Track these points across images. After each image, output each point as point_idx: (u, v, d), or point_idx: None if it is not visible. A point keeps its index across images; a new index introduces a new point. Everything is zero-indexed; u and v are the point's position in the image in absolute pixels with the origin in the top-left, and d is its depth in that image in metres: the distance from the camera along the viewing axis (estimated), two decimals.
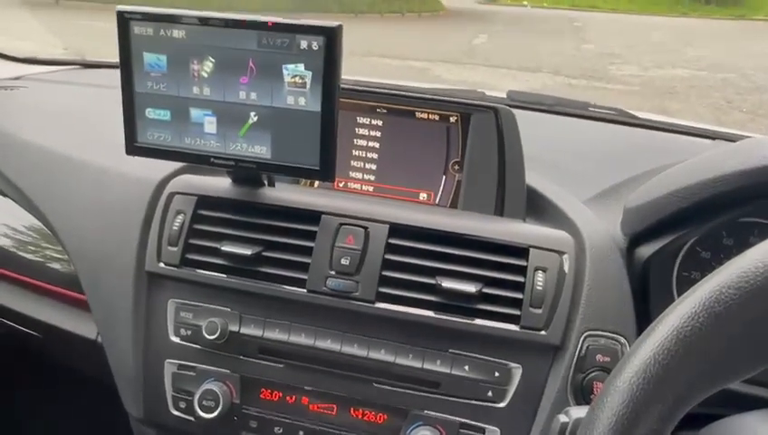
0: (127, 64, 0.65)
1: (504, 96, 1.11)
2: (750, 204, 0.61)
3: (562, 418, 0.40)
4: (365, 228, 0.67)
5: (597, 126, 1.01)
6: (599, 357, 0.61)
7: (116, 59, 0.66)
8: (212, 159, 0.67)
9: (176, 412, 0.69)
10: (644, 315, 0.63)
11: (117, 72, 0.67)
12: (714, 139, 0.95)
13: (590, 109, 1.04)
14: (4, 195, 0.85)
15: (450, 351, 0.64)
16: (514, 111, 0.75)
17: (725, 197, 0.60)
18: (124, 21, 0.63)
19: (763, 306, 0.32)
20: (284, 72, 0.62)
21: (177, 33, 0.63)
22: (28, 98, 1.05)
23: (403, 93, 0.77)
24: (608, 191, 0.76)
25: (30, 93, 1.05)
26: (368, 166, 0.77)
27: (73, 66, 1.21)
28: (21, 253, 0.84)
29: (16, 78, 1.12)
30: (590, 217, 0.69)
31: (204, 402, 0.65)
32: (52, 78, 1.15)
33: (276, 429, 0.67)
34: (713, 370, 0.33)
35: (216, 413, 0.65)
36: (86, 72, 1.20)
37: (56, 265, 0.80)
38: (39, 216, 0.79)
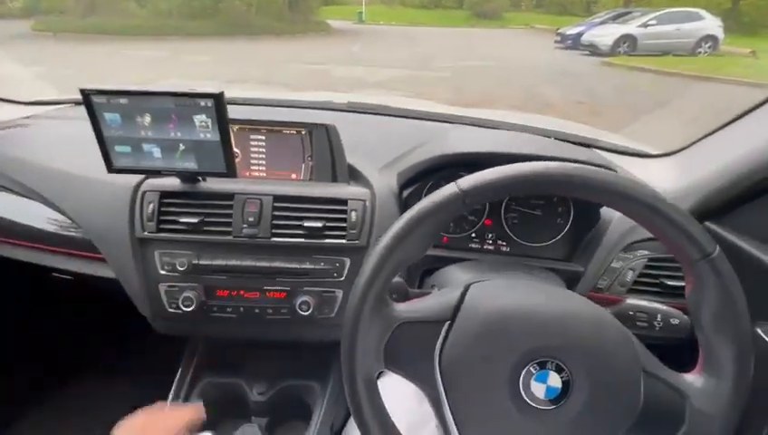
0: (94, 120, 0.63)
1: (346, 103, 1.10)
2: (451, 166, 0.73)
3: None
4: (260, 200, 0.72)
5: (395, 121, 1.02)
6: None
7: None
8: (162, 172, 0.68)
9: (170, 309, 0.72)
10: None
11: None
12: (453, 123, 1.01)
13: (391, 109, 1.07)
14: (31, 198, 0.79)
15: (313, 256, 0.72)
16: (351, 114, 0.79)
17: (439, 164, 0.72)
18: (86, 95, 0.61)
19: (430, 220, 0.42)
20: (195, 119, 0.63)
21: (123, 100, 0.61)
22: (37, 131, 0.94)
23: (275, 120, 0.78)
24: (391, 162, 0.83)
25: (38, 128, 0.95)
26: (260, 162, 0.79)
27: (67, 105, 1.07)
28: (56, 233, 0.79)
29: (26, 117, 0.99)
30: (379, 178, 0.77)
31: (185, 302, 0.70)
32: (53, 115, 1.02)
33: (228, 309, 0.72)
34: (411, 248, 0.43)
35: (193, 307, 0.70)
36: (77, 108, 1.07)
37: (79, 239, 0.77)
38: (59, 211, 0.75)
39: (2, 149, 0.85)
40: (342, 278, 0.73)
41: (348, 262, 0.73)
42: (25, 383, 1.11)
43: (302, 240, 0.72)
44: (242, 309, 0.73)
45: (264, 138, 0.78)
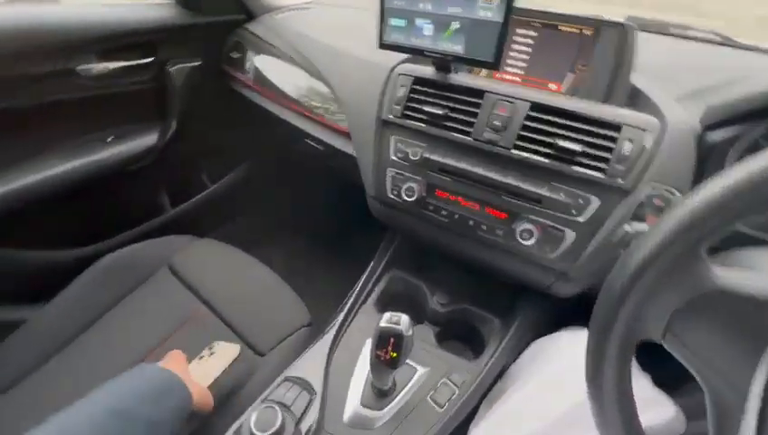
0: None
1: (624, 19, 0.89)
2: None
3: (627, 228, 0.38)
4: (513, 104, 0.63)
5: (694, 45, 0.77)
6: (656, 201, 0.55)
7: None
8: (425, 53, 0.65)
9: (390, 196, 0.75)
10: (698, 180, 0.55)
11: None
12: None
13: (691, 31, 0.80)
14: (309, 72, 0.89)
15: (553, 183, 0.61)
16: None
17: None
18: None
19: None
20: None
21: None
22: (315, 13, 1.06)
23: (556, 13, 0.65)
24: (699, 91, 0.61)
25: (316, 12, 1.06)
26: (519, 63, 0.69)
27: None
28: (317, 105, 0.89)
29: (307, 2, 1.12)
30: (675, 108, 0.58)
31: (406, 192, 0.71)
32: (324, 2, 1.13)
33: (443, 212, 0.70)
34: (729, 213, 0.29)
35: (411, 199, 0.71)
36: None
37: (336, 113, 0.84)
38: (327, 84, 0.84)
39: (291, 25, 1.00)
40: (581, 219, 0.60)
41: (595, 202, 0.59)
42: (249, 229, 1.42)
43: (548, 161, 0.61)
44: (456, 216, 0.70)
45: (533, 34, 0.66)
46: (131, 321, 0.77)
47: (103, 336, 0.75)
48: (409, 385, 0.68)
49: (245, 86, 1.04)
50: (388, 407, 0.65)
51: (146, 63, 0.97)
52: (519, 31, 0.67)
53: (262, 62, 1.00)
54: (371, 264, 0.91)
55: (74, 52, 0.86)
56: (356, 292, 0.84)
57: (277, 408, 0.58)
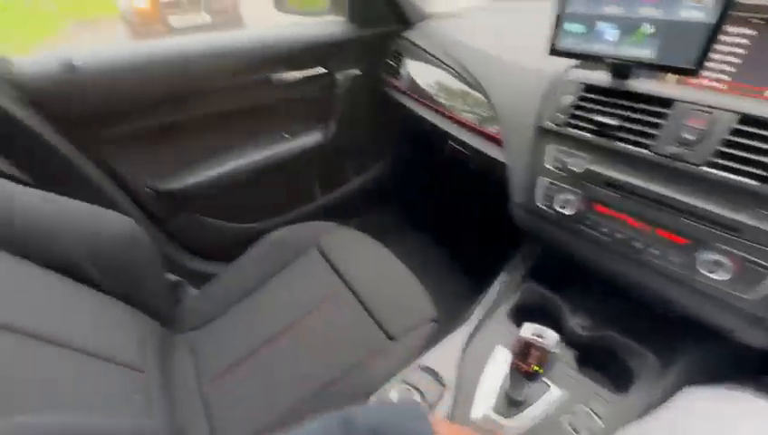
0: None
1: None
2: None
3: None
4: (714, 115, 0.54)
5: None
6: None
7: None
8: (605, 59, 0.60)
9: (540, 205, 0.72)
10: None
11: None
12: None
13: None
14: (462, 78, 0.91)
15: (758, 209, 0.51)
16: None
17: None
18: None
19: None
20: None
21: None
22: (471, 20, 1.08)
23: None
24: None
25: (472, 18, 1.08)
26: (723, 67, 0.59)
27: None
28: (466, 109, 0.90)
29: (466, 8, 1.14)
30: None
31: (561, 204, 0.68)
32: (482, 6, 1.14)
33: (603, 229, 0.65)
34: None
35: (568, 212, 0.67)
36: (497, 1, 1.14)
37: (486, 118, 0.85)
38: (482, 91, 0.85)
39: (446, 31, 1.04)
40: None
41: None
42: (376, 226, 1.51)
43: (757, 183, 0.51)
44: (619, 235, 0.64)
45: (750, 33, 0.56)
46: (286, 290, 0.91)
47: (266, 298, 0.90)
48: (542, 402, 0.66)
49: (398, 90, 1.13)
50: (519, 417, 0.64)
51: (319, 73, 1.13)
52: (731, 29, 0.57)
53: (414, 68, 1.07)
54: (506, 271, 0.90)
55: (266, 65, 1.06)
56: (489, 297, 0.84)
57: (415, 391, 0.63)
